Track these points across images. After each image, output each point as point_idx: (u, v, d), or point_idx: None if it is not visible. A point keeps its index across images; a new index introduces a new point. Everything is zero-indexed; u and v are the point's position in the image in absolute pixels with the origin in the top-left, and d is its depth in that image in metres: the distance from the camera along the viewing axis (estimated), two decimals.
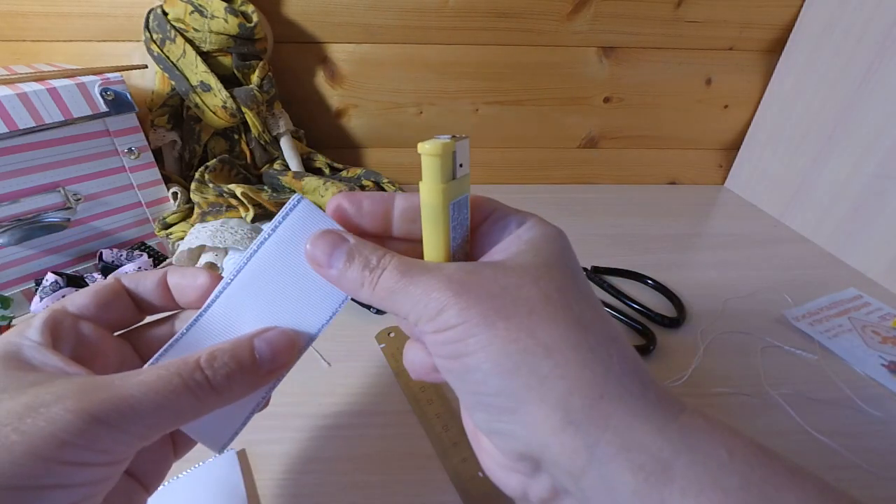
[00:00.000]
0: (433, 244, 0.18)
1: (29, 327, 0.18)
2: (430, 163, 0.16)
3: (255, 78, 0.53)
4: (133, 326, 0.22)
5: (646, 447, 0.14)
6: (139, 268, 0.41)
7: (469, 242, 0.20)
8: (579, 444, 0.14)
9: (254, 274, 0.20)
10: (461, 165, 0.17)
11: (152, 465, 0.20)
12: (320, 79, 0.61)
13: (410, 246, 0.20)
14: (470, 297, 0.16)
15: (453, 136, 0.17)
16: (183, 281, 0.21)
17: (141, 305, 0.21)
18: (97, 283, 0.21)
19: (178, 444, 0.22)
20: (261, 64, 0.53)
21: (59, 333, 0.18)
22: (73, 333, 0.19)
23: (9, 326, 0.38)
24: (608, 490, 0.14)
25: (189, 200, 0.49)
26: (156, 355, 0.20)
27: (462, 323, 0.16)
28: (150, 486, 0.20)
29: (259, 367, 0.18)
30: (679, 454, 0.14)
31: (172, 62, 0.49)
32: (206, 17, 0.48)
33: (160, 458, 0.21)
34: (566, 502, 0.16)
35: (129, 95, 0.41)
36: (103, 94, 0.40)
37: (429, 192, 0.17)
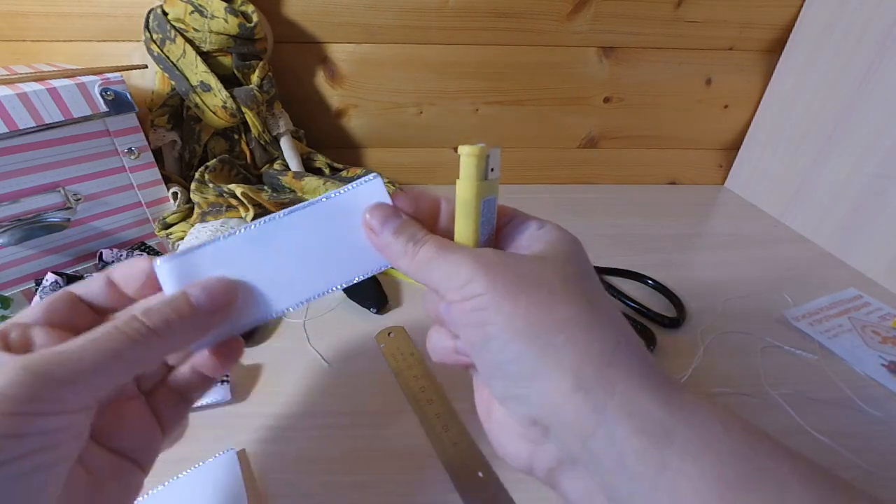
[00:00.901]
0: (464, 234, 0.21)
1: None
2: (467, 162, 0.19)
3: (255, 78, 0.53)
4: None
5: (649, 414, 0.15)
6: None
7: (494, 238, 0.22)
8: (589, 408, 0.16)
9: (303, 221, 0.22)
10: (492, 170, 0.20)
11: (141, 443, 0.21)
12: (320, 79, 0.61)
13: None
14: (497, 272, 0.18)
15: (485, 145, 0.20)
16: (125, 272, 0.21)
17: (98, 309, 0.22)
18: (48, 296, 0.21)
19: (164, 422, 0.22)
20: (261, 64, 0.53)
21: (7, 339, 0.19)
22: (24, 337, 0.19)
23: None
24: (614, 449, 0.15)
25: (189, 200, 0.49)
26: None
27: (488, 292, 0.17)
28: (143, 464, 0.21)
29: (197, 308, 0.19)
30: (679, 423, 0.15)
31: (172, 62, 0.49)
32: (206, 17, 0.48)
33: (147, 436, 0.21)
34: (569, 473, 0.18)
35: (129, 95, 0.41)
36: (103, 94, 0.40)
37: (464, 188, 0.20)
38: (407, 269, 0.20)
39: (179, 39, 0.48)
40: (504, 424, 0.19)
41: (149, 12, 0.49)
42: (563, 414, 0.16)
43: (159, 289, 0.21)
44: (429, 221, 0.22)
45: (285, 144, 0.57)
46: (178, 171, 0.54)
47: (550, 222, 0.22)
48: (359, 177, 0.57)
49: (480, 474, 0.28)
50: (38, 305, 0.20)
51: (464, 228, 0.21)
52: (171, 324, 0.18)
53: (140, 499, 0.26)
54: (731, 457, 0.14)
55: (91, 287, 0.21)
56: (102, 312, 0.22)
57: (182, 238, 0.45)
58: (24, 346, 0.19)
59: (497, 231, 0.22)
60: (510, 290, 0.17)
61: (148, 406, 0.22)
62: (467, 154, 0.19)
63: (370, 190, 0.22)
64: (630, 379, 0.16)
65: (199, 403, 0.28)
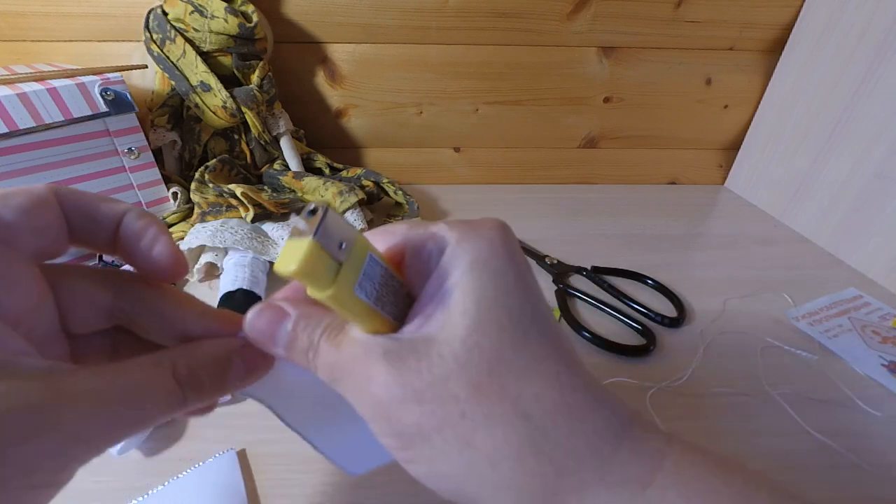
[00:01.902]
0: (370, 328, 0.16)
1: None
2: (299, 281, 0.14)
3: (255, 78, 0.53)
4: (53, 261, 0.17)
5: None
6: None
7: (406, 286, 0.17)
8: None
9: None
10: (342, 245, 0.14)
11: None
12: (320, 79, 0.61)
13: None
14: (398, 404, 0.14)
15: (312, 213, 0.14)
16: (143, 235, 0.17)
17: (74, 232, 0.17)
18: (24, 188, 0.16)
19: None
20: (261, 64, 0.53)
21: None
22: None
23: None
24: None
25: (189, 200, 0.49)
26: None
27: (395, 436, 0.15)
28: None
29: (228, 383, 0.17)
30: None
31: (172, 62, 0.49)
32: (206, 17, 0.48)
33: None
34: None
35: (129, 95, 0.41)
36: (103, 94, 0.40)
37: (325, 300, 0.14)
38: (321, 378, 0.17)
39: (179, 39, 0.48)
40: None
41: (149, 12, 0.49)
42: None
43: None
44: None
45: (285, 144, 0.57)
46: (178, 171, 0.54)
47: (453, 231, 0.16)
48: (358, 177, 0.57)
49: None
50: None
51: (361, 324, 0.16)
52: (203, 394, 0.16)
53: (141, 499, 0.26)
54: None
55: (96, 210, 0.17)
56: (74, 238, 0.17)
57: (182, 238, 0.45)
58: None
59: (398, 270, 0.17)
60: (421, 428, 0.14)
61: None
62: (291, 277, 0.14)
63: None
64: (582, 500, 0.14)
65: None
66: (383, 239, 0.18)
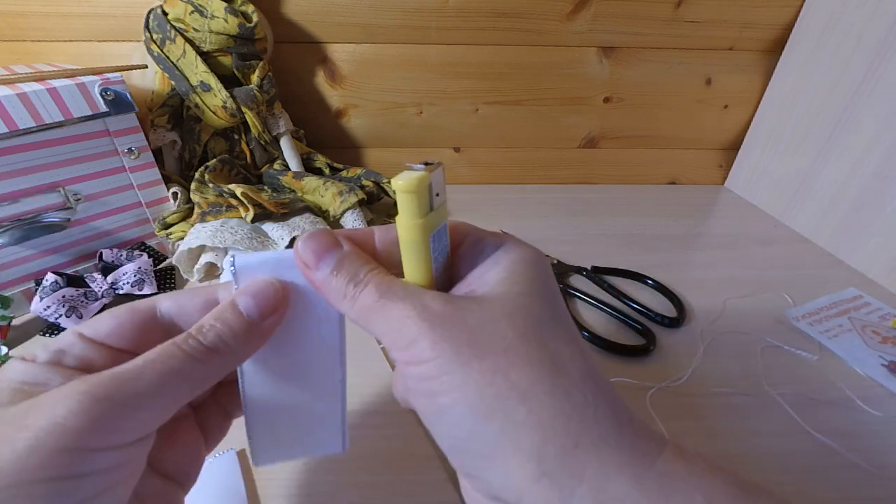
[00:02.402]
0: (415, 274, 0.18)
1: (35, 352, 0.17)
2: (405, 199, 0.16)
3: (255, 78, 0.53)
4: None
5: (620, 500, 0.14)
6: (139, 268, 0.41)
7: (449, 267, 0.19)
8: (554, 497, 0.14)
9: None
10: (437, 195, 0.17)
11: (188, 463, 0.20)
12: (320, 79, 0.61)
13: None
14: (444, 330, 0.15)
15: (427, 164, 0.17)
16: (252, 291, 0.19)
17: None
18: (124, 307, 0.19)
19: (208, 435, 0.21)
20: (261, 64, 0.53)
21: (63, 357, 0.17)
22: (84, 359, 0.17)
23: (9, 326, 0.38)
24: None
25: (189, 200, 0.49)
26: None
27: (435, 358, 0.15)
28: (185, 483, 0.20)
29: (248, 318, 0.18)
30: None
31: (172, 62, 0.49)
32: (206, 17, 0.48)
33: (195, 454, 0.21)
34: None
35: (129, 95, 0.41)
36: (103, 94, 0.40)
37: (408, 228, 0.17)
38: (349, 314, 0.18)
39: (179, 39, 0.48)
40: (469, 491, 0.17)
41: (149, 12, 0.49)
42: (527, 500, 0.14)
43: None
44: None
45: (285, 144, 0.57)
46: (178, 171, 0.54)
47: (509, 238, 0.19)
48: (358, 177, 0.57)
49: None
50: (108, 318, 0.18)
51: (414, 269, 0.18)
52: (225, 339, 0.17)
53: None
54: None
55: (186, 309, 0.19)
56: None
57: (182, 238, 0.45)
58: (85, 369, 0.17)
59: (452, 252, 0.19)
60: (461, 353, 0.15)
61: (196, 423, 0.21)
62: (403, 190, 0.16)
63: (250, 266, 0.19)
64: (601, 457, 0.14)
65: None
66: (452, 223, 0.20)
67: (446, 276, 0.19)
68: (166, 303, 0.20)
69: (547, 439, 0.14)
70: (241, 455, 0.29)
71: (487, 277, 0.17)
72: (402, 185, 0.15)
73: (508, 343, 0.15)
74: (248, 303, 0.18)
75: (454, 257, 0.20)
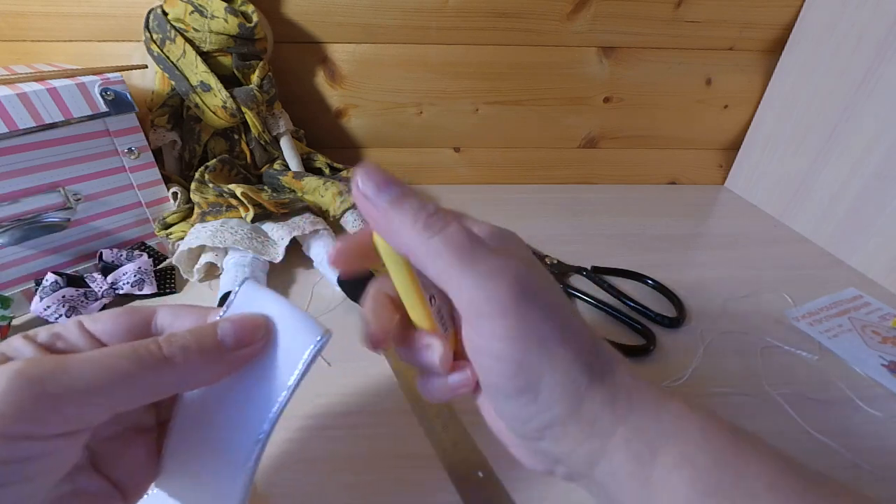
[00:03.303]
0: (422, 320, 0.19)
1: (39, 331, 0.18)
2: (392, 257, 0.17)
3: (255, 78, 0.52)
4: None
5: (643, 434, 0.16)
6: (139, 268, 0.41)
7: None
8: (596, 446, 0.16)
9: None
10: None
11: (137, 479, 0.19)
12: (320, 79, 0.61)
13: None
14: (527, 308, 0.16)
15: None
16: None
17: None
18: (126, 309, 0.19)
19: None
20: (261, 64, 0.53)
21: (56, 341, 0.17)
22: (74, 345, 0.18)
23: (9, 326, 0.38)
24: (612, 475, 0.16)
25: (189, 200, 0.49)
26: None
27: (516, 338, 0.16)
28: (127, 495, 0.19)
29: (221, 342, 0.18)
30: (665, 438, 0.16)
31: (172, 62, 0.49)
32: (206, 17, 0.48)
33: (146, 473, 0.20)
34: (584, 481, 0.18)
35: (129, 95, 0.41)
36: (103, 94, 0.40)
37: (401, 278, 0.18)
38: (415, 251, 0.16)
39: (179, 39, 0.48)
40: (518, 446, 0.19)
41: (149, 12, 0.49)
42: (574, 456, 0.17)
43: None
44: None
45: (285, 144, 0.57)
46: (178, 171, 0.54)
47: (481, 222, 0.20)
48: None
49: (480, 474, 0.28)
50: (108, 315, 0.19)
51: (420, 316, 0.19)
52: (188, 354, 0.17)
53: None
54: (706, 470, 0.15)
55: (180, 324, 0.19)
56: None
57: (182, 238, 0.45)
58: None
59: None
60: (543, 343, 0.16)
61: (157, 441, 0.20)
62: (389, 258, 0.17)
63: (246, 296, 0.20)
64: (630, 404, 0.17)
65: None
66: None
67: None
68: (164, 315, 0.20)
69: (579, 361, 0.17)
70: None
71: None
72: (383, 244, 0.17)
73: (547, 313, 0.17)
74: (227, 328, 0.18)
75: None
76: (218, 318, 0.19)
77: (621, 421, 0.16)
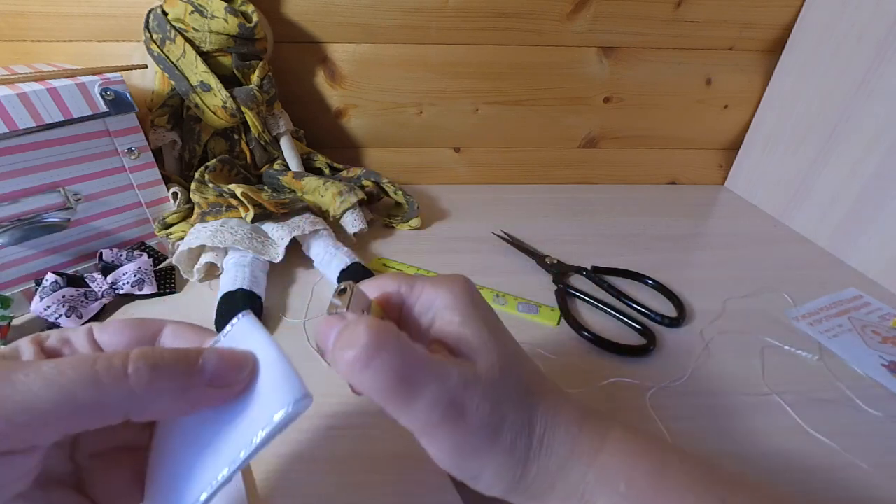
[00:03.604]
0: None
1: (51, 333, 0.18)
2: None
3: (255, 78, 0.52)
4: None
5: (576, 490, 0.19)
6: (139, 268, 0.41)
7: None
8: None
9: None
10: (363, 313, 0.19)
11: (119, 496, 0.19)
12: (320, 79, 0.61)
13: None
14: (454, 428, 0.18)
15: (341, 291, 0.19)
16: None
17: None
18: (135, 322, 0.19)
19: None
20: (261, 64, 0.53)
21: (64, 346, 0.17)
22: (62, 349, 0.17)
23: (9, 327, 0.38)
24: None
25: (189, 200, 0.49)
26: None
27: (452, 454, 0.19)
28: None
29: (199, 373, 0.16)
30: (595, 491, 0.18)
31: (172, 62, 0.49)
32: (206, 17, 0.48)
33: (128, 491, 0.19)
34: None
35: (129, 95, 0.41)
36: (103, 94, 0.40)
37: None
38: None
39: (179, 39, 0.48)
40: None
41: (149, 12, 0.49)
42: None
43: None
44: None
45: (285, 144, 0.57)
46: (178, 171, 0.54)
47: (434, 285, 0.22)
48: (358, 177, 0.57)
49: None
50: (116, 326, 0.18)
51: None
52: (155, 377, 0.15)
53: None
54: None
55: (183, 338, 0.19)
56: None
57: (182, 238, 0.45)
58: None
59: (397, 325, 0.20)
60: (471, 454, 0.18)
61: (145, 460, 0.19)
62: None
63: (244, 329, 0.19)
64: (563, 471, 0.19)
65: None
66: (381, 297, 0.22)
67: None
68: (168, 334, 0.19)
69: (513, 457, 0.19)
70: None
71: (464, 346, 0.20)
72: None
73: (506, 410, 0.19)
74: (211, 360, 0.17)
75: (401, 320, 0.22)
76: (209, 344, 0.18)
77: (554, 484, 0.19)
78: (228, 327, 0.19)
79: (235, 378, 0.17)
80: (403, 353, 0.17)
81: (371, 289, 0.22)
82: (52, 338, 0.17)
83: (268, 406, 0.17)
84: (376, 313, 0.19)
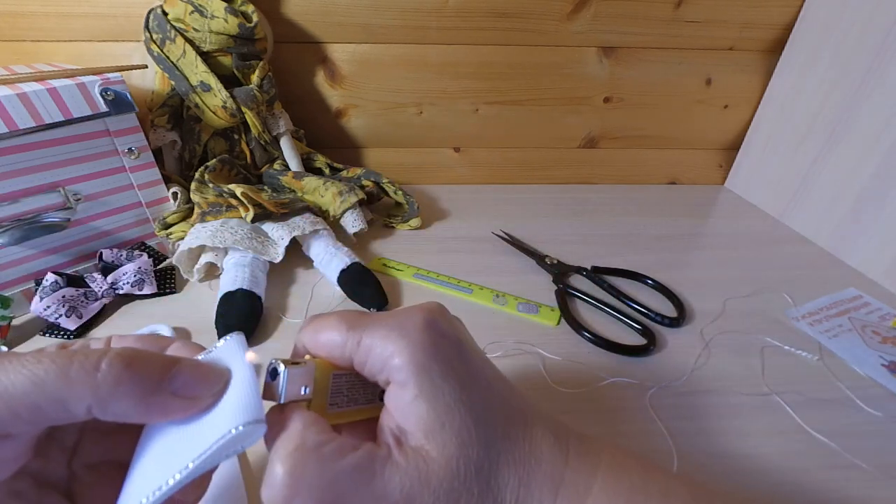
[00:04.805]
0: (356, 418, 0.19)
1: (79, 343, 0.18)
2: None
3: (255, 78, 0.53)
4: None
5: None
6: (139, 268, 0.41)
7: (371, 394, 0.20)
8: None
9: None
10: (304, 388, 0.17)
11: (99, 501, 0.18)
12: (320, 79, 0.61)
13: None
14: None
15: (272, 374, 0.17)
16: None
17: None
18: (147, 337, 0.19)
19: None
20: (261, 64, 0.53)
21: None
22: None
23: (9, 327, 0.38)
24: None
25: (189, 200, 0.49)
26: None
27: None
28: None
29: (169, 379, 0.16)
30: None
31: (172, 62, 0.49)
32: (206, 17, 0.48)
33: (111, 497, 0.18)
34: None
35: (129, 95, 0.41)
36: (103, 94, 0.40)
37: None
38: None
39: (179, 39, 0.48)
40: None
41: (149, 12, 0.49)
42: None
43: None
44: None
45: (285, 144, 0.57)
46: (178, 171, 0.54)
47: (386, 336, 0.18)
48: (358, 177, 0.57)
49: None
50: (138, 341, 0.18)
51: (351, 419, 0.19)
52: (125, 377, 0.15)
53: None
54: None
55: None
56: None
57: (182, 238, 0.45)
58: None
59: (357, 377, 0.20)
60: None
61: None
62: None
63: (230, 348, 0.18)
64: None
65: None
66: (321, 345, 0.19)
67: (373, 385, 0.20)
68: (171, 351, 0.19)
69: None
70: (240, 454, 0.29)
71: (414, 424, 0.17)
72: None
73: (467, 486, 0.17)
74: (184, 371, 0.16)
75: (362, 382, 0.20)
76: (200, 357, 0.18)
77: None
78: (221, 341, 0.19)
79: (202, 392, 0.17)
80: (325, 475, 0.15)
81: (316, 344, 0.19)
82: (76, 345, 0.17)
83: (222, 424, 0.16)
84: (321, 384, 0.18)
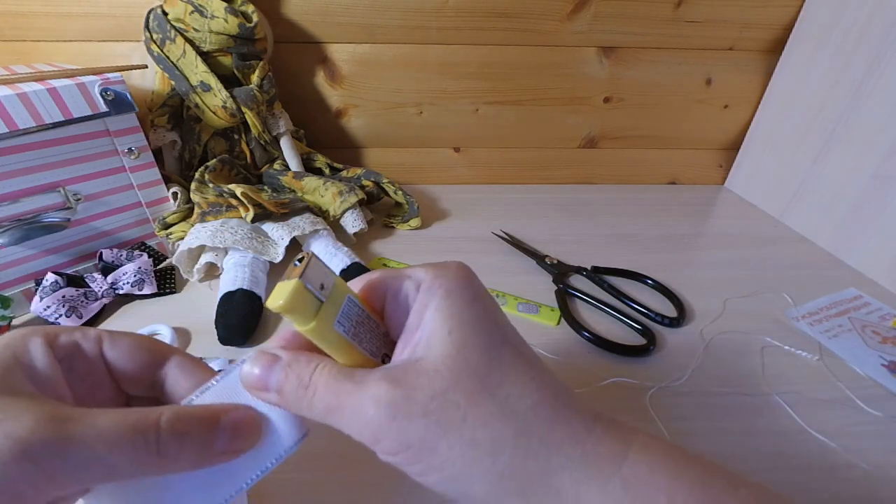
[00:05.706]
0: (347, 361, 0.18)
1: (71, 329, 0.18)
2: (288, 318, 0.16)
3: (255, 78, 0.53)
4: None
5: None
6: (139, 268, 0.41)
7: (383, 332, 0.20)
8: None
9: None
10: (322, 286, 0.17)
11: None
12: (320, 79, 0.61)
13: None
14: (404, 419, 0.16)
15: (299, 260, 0.17)
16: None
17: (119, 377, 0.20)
18: (145, 344, 0.20)
19: None
20: (261, 64, 0.53)
21: (76, 349, 0.18)
22: (88, 358, 0.18)
23: (9, 326, 0.38)
24: None
25: (189, 200, 0.49)
26: None
27: (404, 450, 0.16)
28: None
29: (215, 441, 0.17)
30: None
31: (172, 62, 0.49)
32: (206, 17, 0.48)
33: None
34: None
35: (129, 95, 0.41)
36: (103, 94, 0.40)
37: (306, 333, 0.17)
38: (317, 420, 0.18)
39: (179, 39, 0.48)
40: None
41: (149, 12, 0.49)
42: None
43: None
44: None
45: (285, 144, 0.57)
46: (178, 171, 0.54)
47: (428, 271, 0.19)
48: (358, 177, 0.57)
49: None
50: (128, 345, 0.19)
51: (342, 357, 0.18)
52: (184, 449, 0.16)
53: None
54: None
55: (189, 375, 0.20)
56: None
57: (182, 238, 0.45)
58: (73, 367, 0.18)
59: (379, 313, 0.20)
60: (426, 439, 0.16)
61: None
62: (279, 310, 0.16)
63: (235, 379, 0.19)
64: (572, 476, 0.16)
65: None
66: (363, 285, 0.20)
67: (383, 341, 0.20)
68: (173, 368, 0.20)
69: (526, 481, 0.16)
70: None
71: (422, 335, 0.17)
72: (280, 305, 0.16)
73: (463, 412, 0.16)
74: (228, 428, 0.17)
75: (384, 318, 0.20)
76: (213, 383, 0.19)
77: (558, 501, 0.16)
78: (231, 367, 0.19)
79: (244, 446, 0.18)
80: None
81: (356, 284, 0.20)
82: (62, 338, 0.18)
83: (276, 445, 0.18)
84: (335, 297, 0.17)
